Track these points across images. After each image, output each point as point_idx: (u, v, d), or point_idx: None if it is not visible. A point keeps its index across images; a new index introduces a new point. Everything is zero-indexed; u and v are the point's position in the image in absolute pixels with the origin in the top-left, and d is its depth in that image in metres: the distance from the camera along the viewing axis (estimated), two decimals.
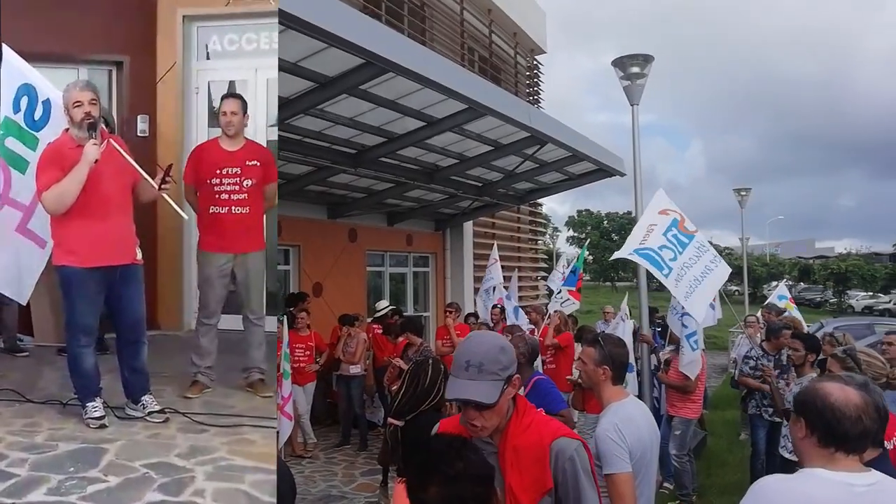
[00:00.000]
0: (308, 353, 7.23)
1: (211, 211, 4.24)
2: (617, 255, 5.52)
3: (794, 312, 8.88)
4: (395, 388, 6.59)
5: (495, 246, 10.44)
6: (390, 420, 3.24)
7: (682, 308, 5.49)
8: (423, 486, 1.52)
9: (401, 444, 3.22)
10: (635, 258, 5.25)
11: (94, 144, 3.56)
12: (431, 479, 1.51)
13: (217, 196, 4.22)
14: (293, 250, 9.09)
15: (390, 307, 8.51)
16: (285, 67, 5.02)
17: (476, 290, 13.14)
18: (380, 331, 8.21)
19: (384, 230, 11.00)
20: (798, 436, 1.82)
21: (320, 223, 9.48)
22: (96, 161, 3.54)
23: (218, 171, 4.21)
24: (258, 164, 4.28)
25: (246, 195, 4.23)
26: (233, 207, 4.22)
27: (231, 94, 4.54)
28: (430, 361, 3.33)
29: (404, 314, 8.85)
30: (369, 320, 8.82)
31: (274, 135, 5.72)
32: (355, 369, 7.58)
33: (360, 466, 6.91)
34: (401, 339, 7.07)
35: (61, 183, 3.54)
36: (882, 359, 3.62)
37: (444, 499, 1.50)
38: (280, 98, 5.50)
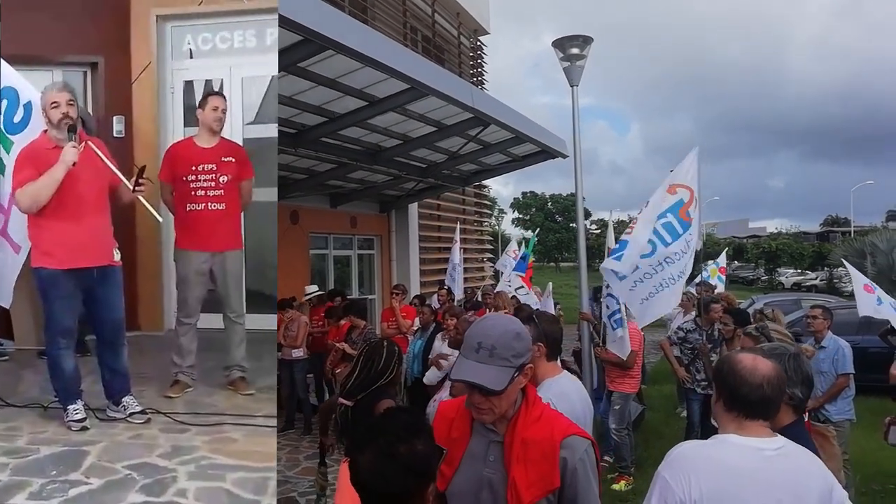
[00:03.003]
0: None
1: (188, 209, 4.20)
2: (607, 262, 5.34)
3: (717, 280, 9.30)
4: (338, 371, 6.56)
5: (458, 227, 10.54)
6: (341, 400, 3.23)
7: (608, 289, 5.59)
8: (361, 449, 1.49)
9: (350, 423, 3.23)
10: (608, 266, 5.19)
11: (73, 147, 3.52)
12: (370, 446, 1.48)
13: (193, 193, 4.18)
14: None
15: (318, 292, 8.46)
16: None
17: (422, 272, 13.20)
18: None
19: (327, 212, 10.85)
20: (713, 400, 1.94)
21: None
22: (74, 164, 3.50)
23: (193, 168, 4.17)
24: (233, 160, 4.27)
25: (222, 192, 4.21)
26: (209, 204, 4.19)
27: (216, 91, 4.51)
28: (385, 343, 3.38)
29: (349, 297, 8.80)
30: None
31: (254, 132, 5.64)
32: (298, 353, 7.49)
33: (305, 450, 6.86)
34: (343, 321, 7.03)
35: (36, 182, 3.49)
36: (791, 336, 3.83)
37: (373, 471, 1.46)
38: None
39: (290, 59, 5.33)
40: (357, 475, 1.49)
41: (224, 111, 4.29)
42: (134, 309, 5.33)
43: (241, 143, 4.74)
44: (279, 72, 5.39)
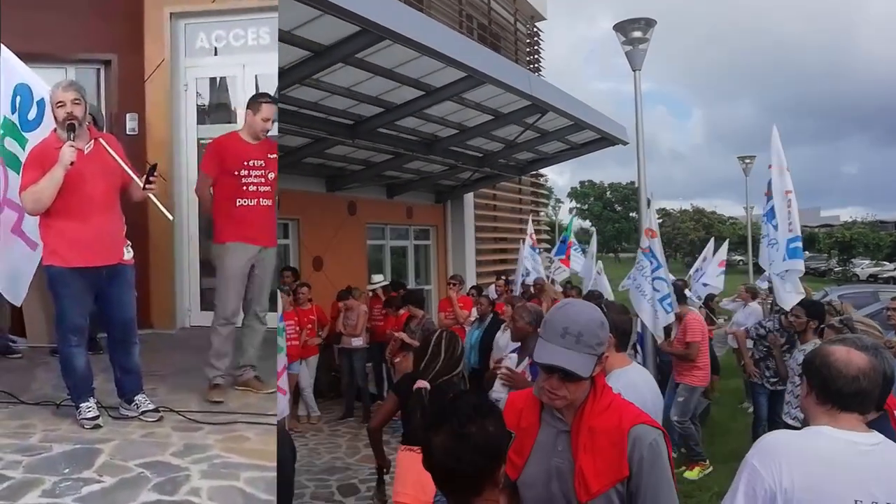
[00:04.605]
0: (310, 326, 7.23)
1: (238, 203, 4.16)
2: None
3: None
4: (397, 360, 6.61)
5: (530, 221, 10.50)
6: (421, 383, 3.23)
7: (652, 273, 5.59)
8: (435, 430, 1.52)
9: (427, 406, 3.25)
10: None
11: (71, 147, 3.47)
12: (442, 427, 1.50)
13: (245, 188, 4.15)
14: (292, 224, 9.00)
15: (384, 282, 8.53)
16: (279, 36, 4.91)
17: (478, 263, 13.15)
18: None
19: (384, 203, 10.92)
20: (802, 394, 1.87)
21: (319, 196, 9.40)
22: (72, 164, 3.46)
23: (245, 163, 4.16)
24: (275, 157, 4.27)
25: (270, 188, 4.21)
26: (261, 200, 4.18)
27: (271, 98, 4.31)
28: (454, 333, 3.48)
29: (407, 287, 8.85)
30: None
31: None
32: (357, 342, 7.58)
33: (364, 438, 6.90)
34: (402, 311, 7.06)
35: (38, 184, 3.48)
36: (878, 327, 3.60)
37: (446, 451, 1.48)
38: None
39: (348, 50, 5.36)
40: (430, 457, 1.51)
41: (274, 122, 4.25)
42: (146, 307, 5.33)
43: None
44: (338, 63, 5.42)
